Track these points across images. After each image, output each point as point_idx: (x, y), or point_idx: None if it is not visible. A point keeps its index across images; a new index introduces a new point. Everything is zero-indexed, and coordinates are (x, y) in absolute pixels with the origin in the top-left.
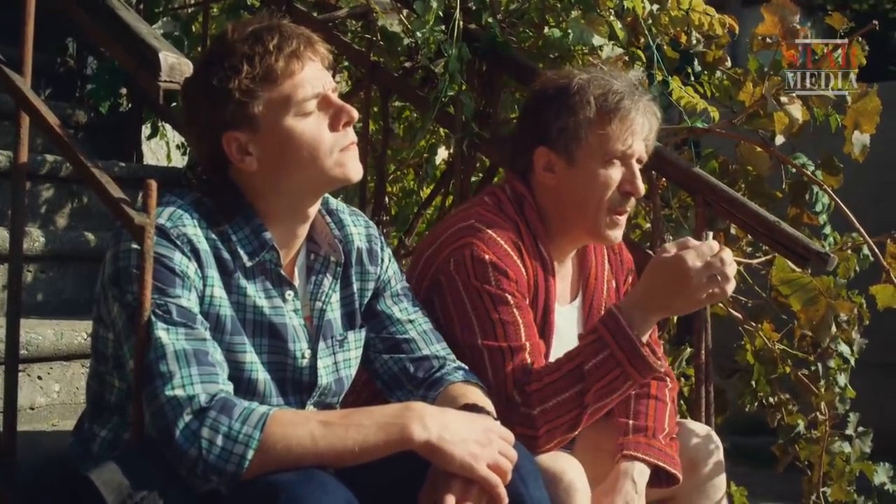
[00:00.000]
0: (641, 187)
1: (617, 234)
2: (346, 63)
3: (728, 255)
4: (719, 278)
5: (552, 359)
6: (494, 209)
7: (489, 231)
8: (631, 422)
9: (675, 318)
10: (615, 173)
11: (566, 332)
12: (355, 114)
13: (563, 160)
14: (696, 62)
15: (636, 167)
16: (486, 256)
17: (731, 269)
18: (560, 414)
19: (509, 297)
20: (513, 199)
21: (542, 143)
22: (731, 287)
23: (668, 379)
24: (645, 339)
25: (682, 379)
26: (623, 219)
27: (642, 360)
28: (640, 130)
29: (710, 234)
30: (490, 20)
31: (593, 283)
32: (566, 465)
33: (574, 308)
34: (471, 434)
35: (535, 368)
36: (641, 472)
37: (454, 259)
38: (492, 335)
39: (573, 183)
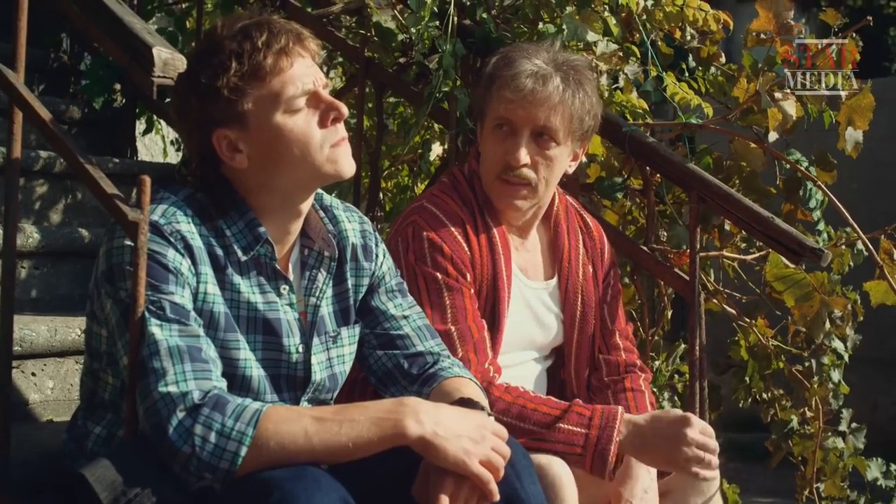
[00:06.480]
0: (521, 158)
1: (512, 204)
2: (340, 59)
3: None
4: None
5: (515, 327)
6: (449, 188)
7: (434, 209)
8: None
9: (670, 314)
10: (499, 140)
11: (539, 309)
12: (345, 110)
13: (479, 128)
14: (690, 58)
15: (524, 136)
16: (425, 233)
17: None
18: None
19: (440, 276)
20: (467, 176)
21: (478, 112)
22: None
23: (637, 370)
24: (612, 457)
25: (677, 375)
26: (518, 189)
27: (602, 462)
28: (515, 96)
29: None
30: (484, 16)
31: (566, 265)
32: (551, 459)
33: (550, 286)
34: (464, 430)
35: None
36: None
37: (400, 238)
38: (428, 318)
39: (481, 149)
